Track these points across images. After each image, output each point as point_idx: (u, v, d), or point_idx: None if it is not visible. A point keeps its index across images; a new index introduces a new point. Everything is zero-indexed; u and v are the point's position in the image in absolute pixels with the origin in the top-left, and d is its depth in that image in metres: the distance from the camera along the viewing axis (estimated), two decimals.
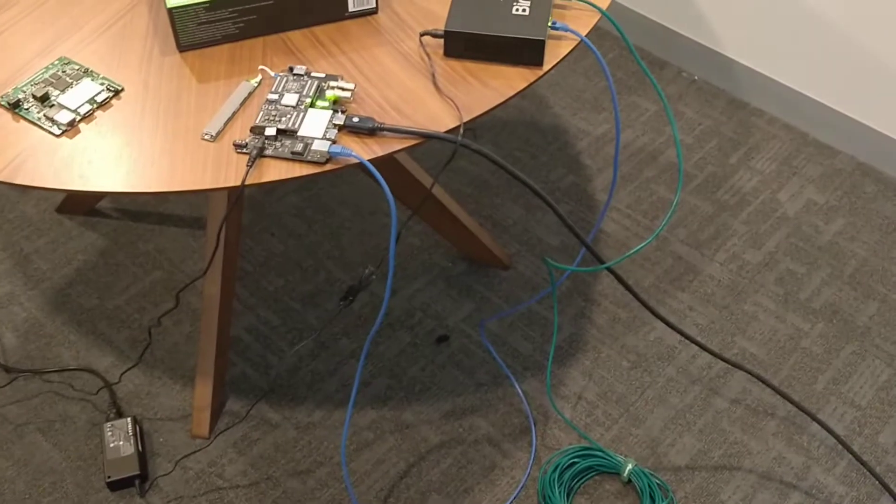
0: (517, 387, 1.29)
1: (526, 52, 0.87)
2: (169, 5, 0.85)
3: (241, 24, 0.89)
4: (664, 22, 1.77)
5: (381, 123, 0.81)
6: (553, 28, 0.89)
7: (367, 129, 0.81)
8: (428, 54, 0.89)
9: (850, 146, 1.62)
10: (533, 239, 1.47)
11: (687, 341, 1.34)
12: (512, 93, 0.86)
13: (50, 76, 0.86)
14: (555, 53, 0.89)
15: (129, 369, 1.29)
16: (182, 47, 0.89)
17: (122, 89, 0.85)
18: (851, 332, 1.36)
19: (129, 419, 1.18)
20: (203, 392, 1.21)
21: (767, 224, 1.50)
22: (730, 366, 1.30)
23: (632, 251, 1.28)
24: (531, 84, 0.87)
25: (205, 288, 1.19)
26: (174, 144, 0.80)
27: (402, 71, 0.87)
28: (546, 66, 0.88)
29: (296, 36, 0.91)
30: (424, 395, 1.28)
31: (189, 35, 0.88)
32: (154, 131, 0.82)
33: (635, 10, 1.79)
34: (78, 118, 0.82)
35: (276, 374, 1.30)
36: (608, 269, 0.96)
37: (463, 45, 0.88)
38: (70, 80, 0.85)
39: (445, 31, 0.87)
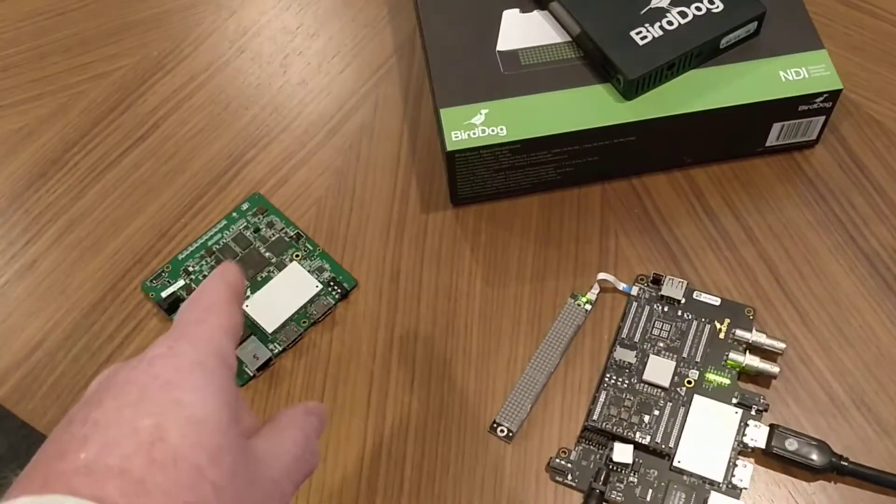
0: None
1: None
2: (449, 148, 0.45)
3: (568, 170, 0.49)
4: None
5: (842, 459, 0.41)
6: None
7: (813, 468, 0.41)
8: None
9: None
10: None
11: None
12: None
13: (232, 240, 0.49)
14: None
15: None
16: (458, 200, 0.50)
17: (356, 286, 0.48)
18: None
19: None
20: None
21: None
22: None
23: None
24: None
25: None
26: (442, 433, 0.44)
27: (867, 303, 0.46)
28: None
29: (658, 183, 0.50)
30: None
31: (473, 183, 0.48)
32: (407, 398, 0.45)
33: None
34: (275, 355, 0.45)
35: None
36: None
37: None
38: (268, 255, 0.49)
39: None
